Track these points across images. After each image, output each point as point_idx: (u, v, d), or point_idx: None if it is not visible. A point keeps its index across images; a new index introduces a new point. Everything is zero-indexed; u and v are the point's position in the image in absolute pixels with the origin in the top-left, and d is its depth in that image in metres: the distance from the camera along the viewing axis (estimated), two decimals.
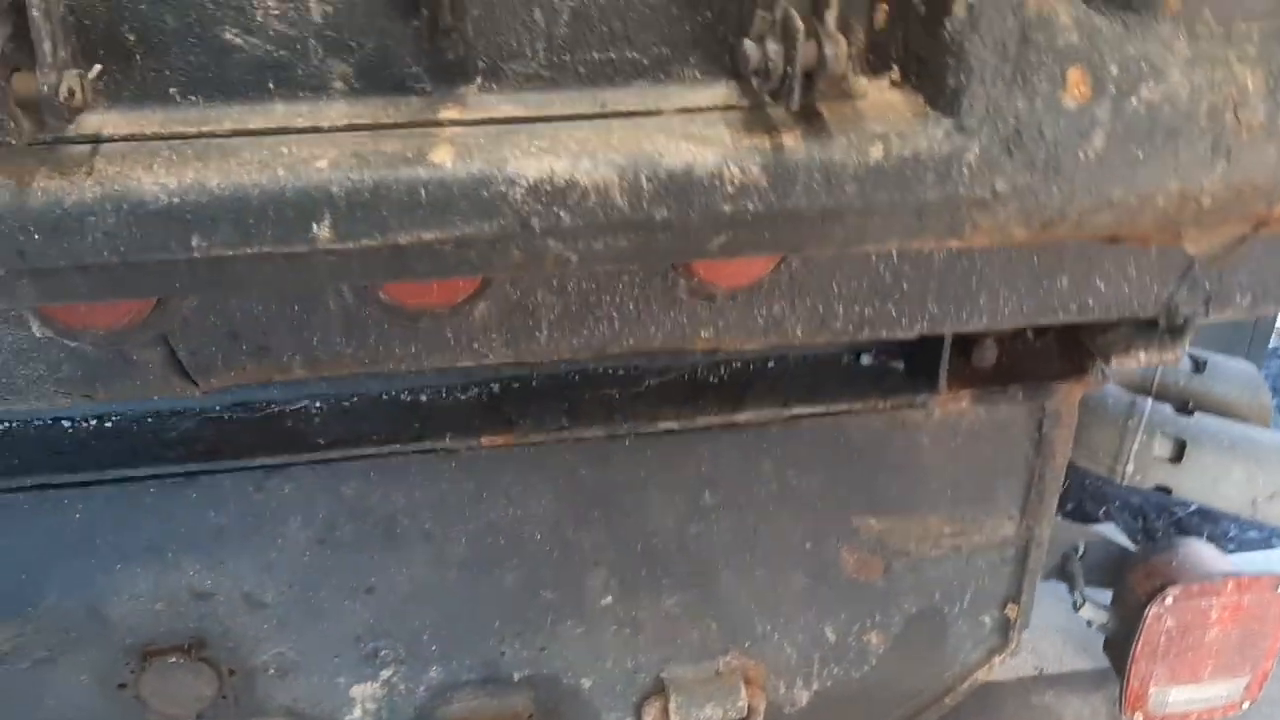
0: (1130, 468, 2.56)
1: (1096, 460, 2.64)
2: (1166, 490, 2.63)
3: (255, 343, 1.26)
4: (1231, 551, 4.49)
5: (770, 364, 1.88)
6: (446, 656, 1.95)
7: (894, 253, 1.34)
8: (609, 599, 1.94)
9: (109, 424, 1.71)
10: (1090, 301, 1.43)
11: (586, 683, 2.03)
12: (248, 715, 1.92)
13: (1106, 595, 2.38)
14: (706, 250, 1.05)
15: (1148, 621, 2.17)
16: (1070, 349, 1.83)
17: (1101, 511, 4.60)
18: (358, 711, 1.96)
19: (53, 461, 1.64)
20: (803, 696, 2.14)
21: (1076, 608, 2.31)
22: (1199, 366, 2.86)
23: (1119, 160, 1.07)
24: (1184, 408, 2.69)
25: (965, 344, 1.86)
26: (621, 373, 1.84)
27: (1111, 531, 4.33)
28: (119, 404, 1.72)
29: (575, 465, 1.79)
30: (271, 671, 1.88)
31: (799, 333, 1.39)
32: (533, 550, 1.86)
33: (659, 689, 2.05)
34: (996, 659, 2.16)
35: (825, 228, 1.06)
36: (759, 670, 2.08)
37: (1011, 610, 2.10)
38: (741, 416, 1.78)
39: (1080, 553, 2.36)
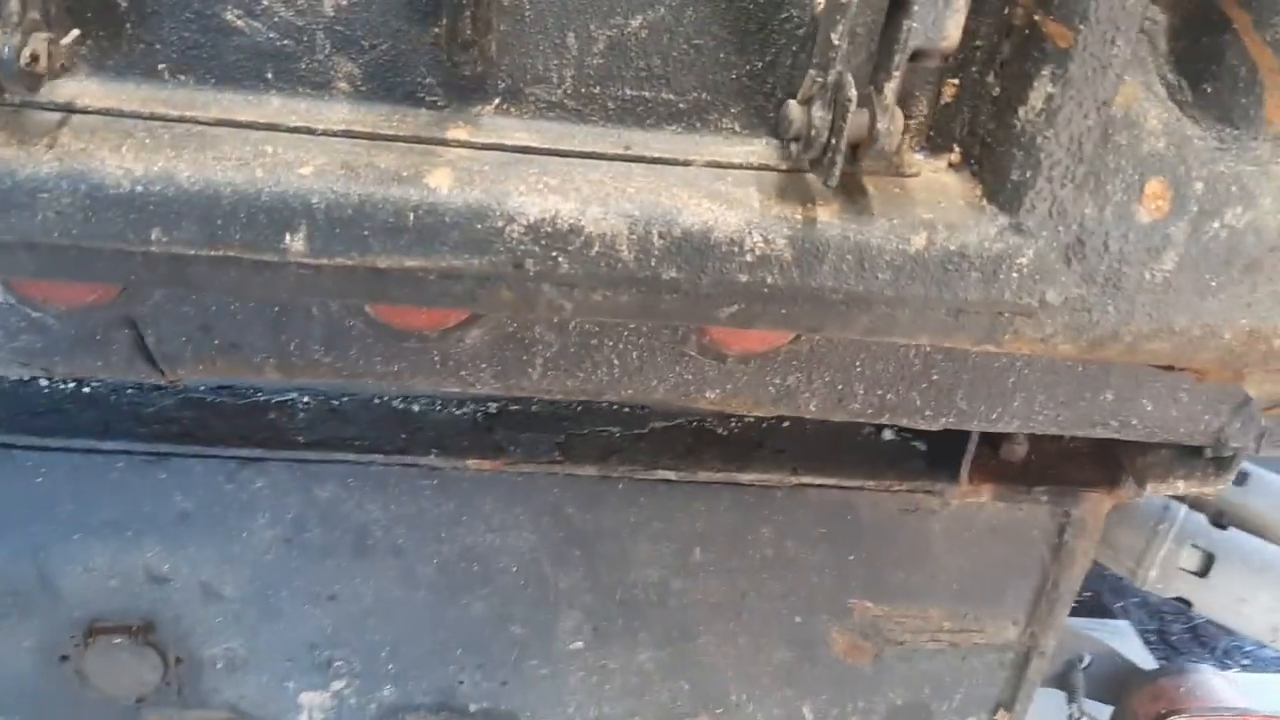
0: (1153, 574, 2.44)
1: (1119, 560, 2.52)
2: (1187, 603, 2.50)
3: (228, 339, 1.17)
4: (1245, 668, 4.33)
5: (785, 423, 1.77)
6: (403, 677, 1.86)
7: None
8: (579, 644, 1.84)
9: (86, 389, 1.64)
10: (1134, 421, 1.31)
11: None
12: (191, 706, 1.84)
13: (1107, 711, 2.25)
14: (715, 318, 0.96)
15: None
16: (1107, 457, 1.71)
17: (1119, 606, 4.46)
18: (304, 719, 1.88)
19: (21, 422, 1.57)
20: None
21: None
22: (1241, 479, 2.74)
23: (1188, 287, 0.96)
24: (1218, 519, 2.57)
25: (994, 436, 1.75)
26: (625, 411, 1.74)
27: (1125, 634, 4.20)
28: None
29: (562, 501, 1.69)
30: (220, 665, 1.80)
31: (812, 407, 1.29)
32: (506, 582, 1.76)
33: None
34: None
35: (849, 313, 0.96)
36: None
37: (1003, 717, 1.98)
38: (745, 477, 1.68)
39: (1085, 663, 2.23)
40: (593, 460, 1.65)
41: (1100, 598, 4.41)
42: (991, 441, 1.75)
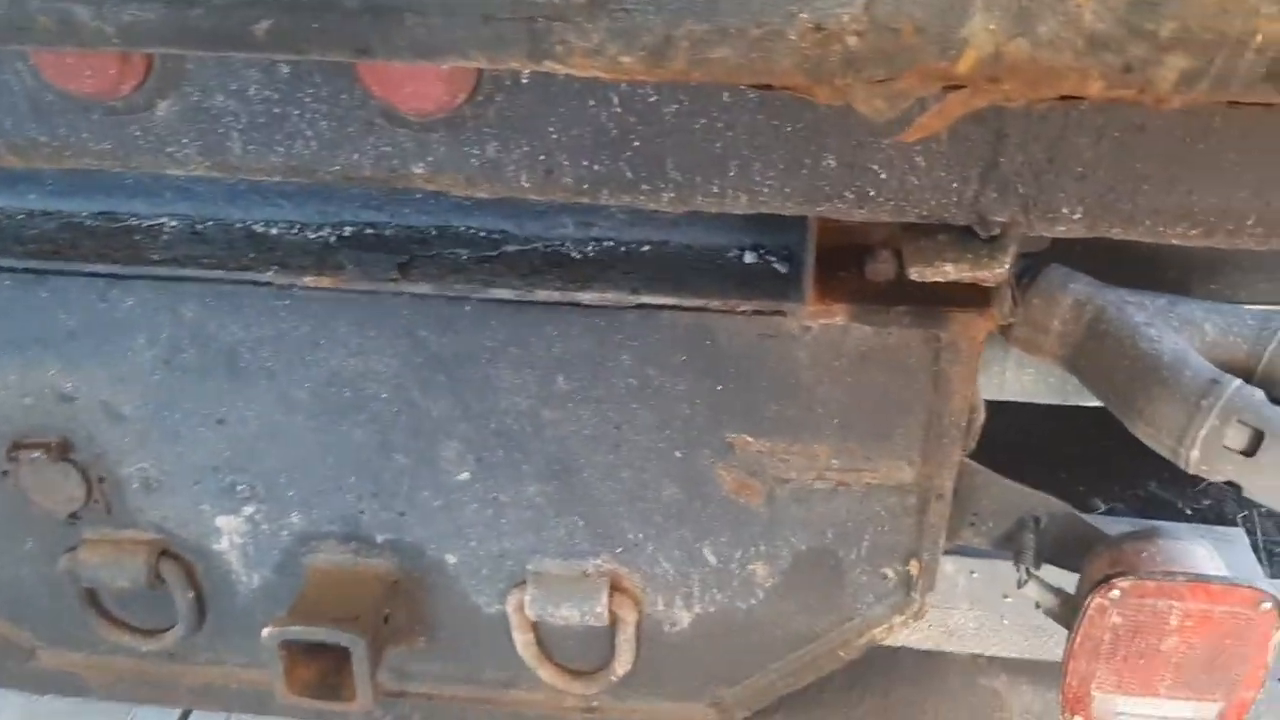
0: (1196, 454, 2.23)
1: (1159, 439, 2.33)
2: (1236, 487, 2.28)
3: None
4: None
5: (645, 248, 1.72)
6: (306, 504, 1.93)
7: (613, 99, 1.17)
8: (466, 475, 1.86)
9: None
10: (872, 192, 1.20)
11: (451, 558, 1.97)
12: (122, 526, 1.98)
13: (1064, 576, 2.08)
14: (253, 37, 0.94)
15: (1089, 613, 1.88)
16: None
17: (1242, 515, 4.10)
18: (225, 543, 1.99)
19: None
20: (684, 618, 2.00)
21: (1020, 584, 2.04)
22: None
23: None
24: None
25: (859, 254, 1.64)
26: (481, 235, 1.74)
27: (1235, 541, 3.85)
28: (4, 198, 1.78)
29: (414, 324, 1.71)
30: (136, 485, 1.93)
31: (524, 181, 1.24)
32: (379, 409, 1.80)
33: (525, 579, 1.97)
34: (898, 619, 1.94)
35: (383, 27, 0.93)
36: (632, 580, 1.96)
37: (914, 566, 1.87)
38: (585, 297, 1.64)
39: (1040, 524, 2.07)
40: (431, 279, 1.66)
41: (1222, 506, 4.07)
42: (859, 262, 1.65)
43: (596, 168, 1.22)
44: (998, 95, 0.94)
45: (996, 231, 1.22)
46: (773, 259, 1.69)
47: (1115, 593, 1.86)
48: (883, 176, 1.18)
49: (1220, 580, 1.86)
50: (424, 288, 1.66)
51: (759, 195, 1.22)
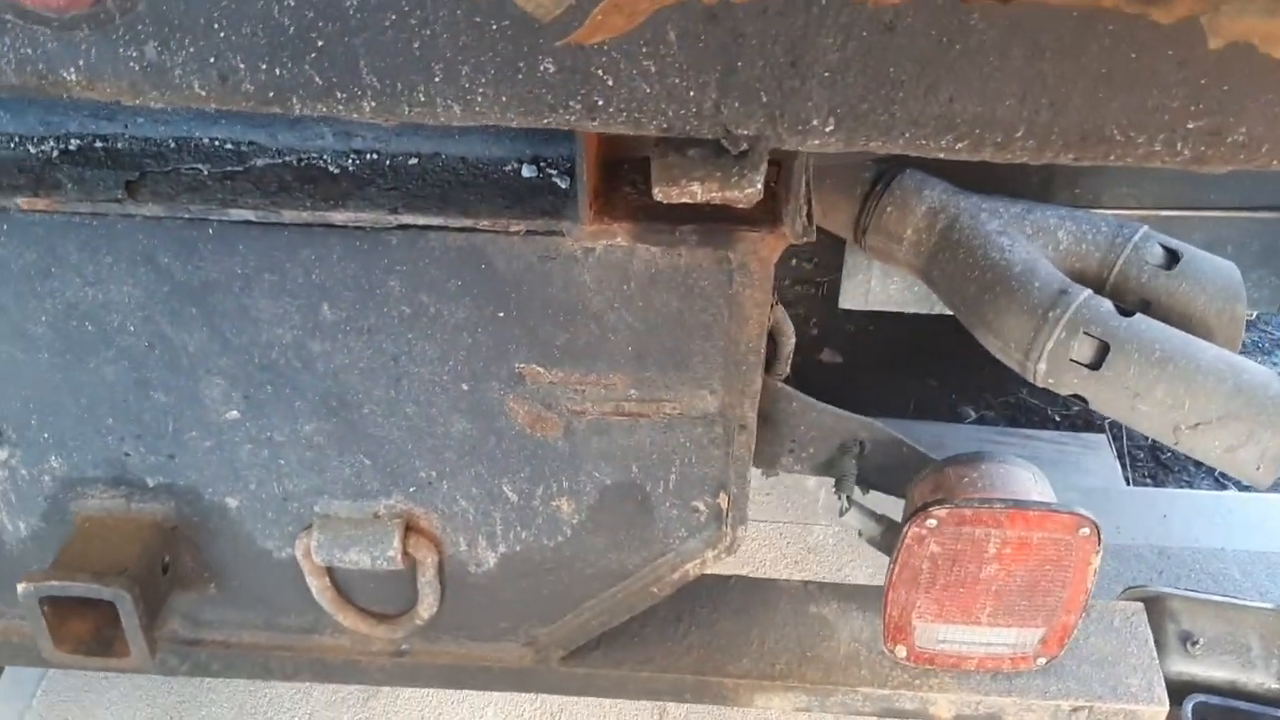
0: (1043, 367, 2.14)
1: (1008, 352, 2.24)
2: (1082, 400, 2.20)
3: None
4: (1244, 488, 3.90)
5: (413, 161, 1.55)
6: (64, 447, 1.76)
7: None
8: (234, 413, 1.70)
9: None
10: (599, 101, 1.04)
11: (233, 502, 1.82)
12: None
13: (890, 502, 2.00)
14: None
15: (906, 542, 1.80)
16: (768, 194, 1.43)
17: (1109, 421, 4.09)
18: None
19: None
20: (489, 558, 1.87)
21: (841, 513, 1.95)
22: (1173, 260, 2.38)
23: None
24: (1141, 307, 2.26)
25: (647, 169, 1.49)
26: (227, 148, 1.55)
27: (1097, 448, 3.83)
28: None
29: (152, 249, 1.52)
30: None
31: (199, 89, 1.06)
32: (128, 343, 1.62)
33: (312, 523, 1.82)
34: (711, 553, 1.83)
35: None
36: (429, 520, 1.82)
37: (723, 499, 1.77)
38: (338, 217, 1.47)
39: (861, 449, 1.98)
40: (161, 199, 1.47)
41: (1090, 412, 4.06)
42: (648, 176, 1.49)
43: (279, 72, 1.04)
44: None
45: (744, 146, 1.07)
46: (553, 173, 1.53)
47: (932, 521, 1.78)
48: (609, 84, 1.02)
49: (1037, 506, 1.78)
50: (154, 209, 1.47)
51: (473, 105, 1.06)
